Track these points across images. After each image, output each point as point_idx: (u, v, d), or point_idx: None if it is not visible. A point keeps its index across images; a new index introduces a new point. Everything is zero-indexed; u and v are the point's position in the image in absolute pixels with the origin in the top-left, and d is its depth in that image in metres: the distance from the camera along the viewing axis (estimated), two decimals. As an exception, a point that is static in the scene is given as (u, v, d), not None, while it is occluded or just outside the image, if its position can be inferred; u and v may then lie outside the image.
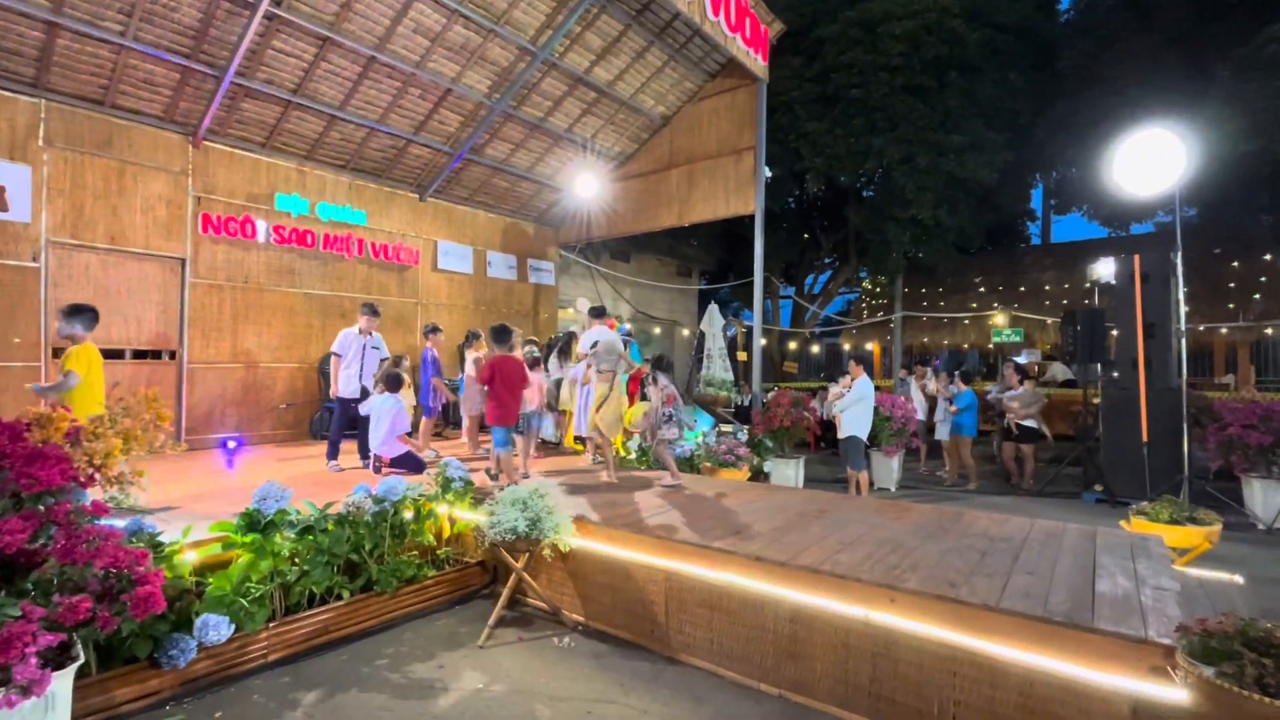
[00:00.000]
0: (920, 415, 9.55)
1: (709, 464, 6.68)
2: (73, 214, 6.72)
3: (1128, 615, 2.67)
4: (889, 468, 8.69)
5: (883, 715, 2.97)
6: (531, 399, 5.89)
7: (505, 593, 4.04)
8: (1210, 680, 2.02)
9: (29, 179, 6.41)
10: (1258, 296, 13.07)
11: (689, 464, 6.72)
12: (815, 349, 20.99)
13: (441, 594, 4.33)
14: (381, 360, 6.71)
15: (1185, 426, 6.74)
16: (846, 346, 18.79)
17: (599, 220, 11.64)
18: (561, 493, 4.93)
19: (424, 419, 7.31)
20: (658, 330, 16.53)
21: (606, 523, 4.13)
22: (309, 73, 7.61)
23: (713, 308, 12.23)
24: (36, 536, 2.50)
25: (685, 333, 17.25)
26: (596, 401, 5.57)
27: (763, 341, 10.32)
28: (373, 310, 6.54)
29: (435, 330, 7.43)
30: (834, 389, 8.09)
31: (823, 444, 11.37)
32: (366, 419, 6.23)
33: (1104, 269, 8.78)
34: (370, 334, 6.52)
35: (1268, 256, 13.82)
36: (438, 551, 4.57)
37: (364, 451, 6.57)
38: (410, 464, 5.93)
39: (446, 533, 4.71)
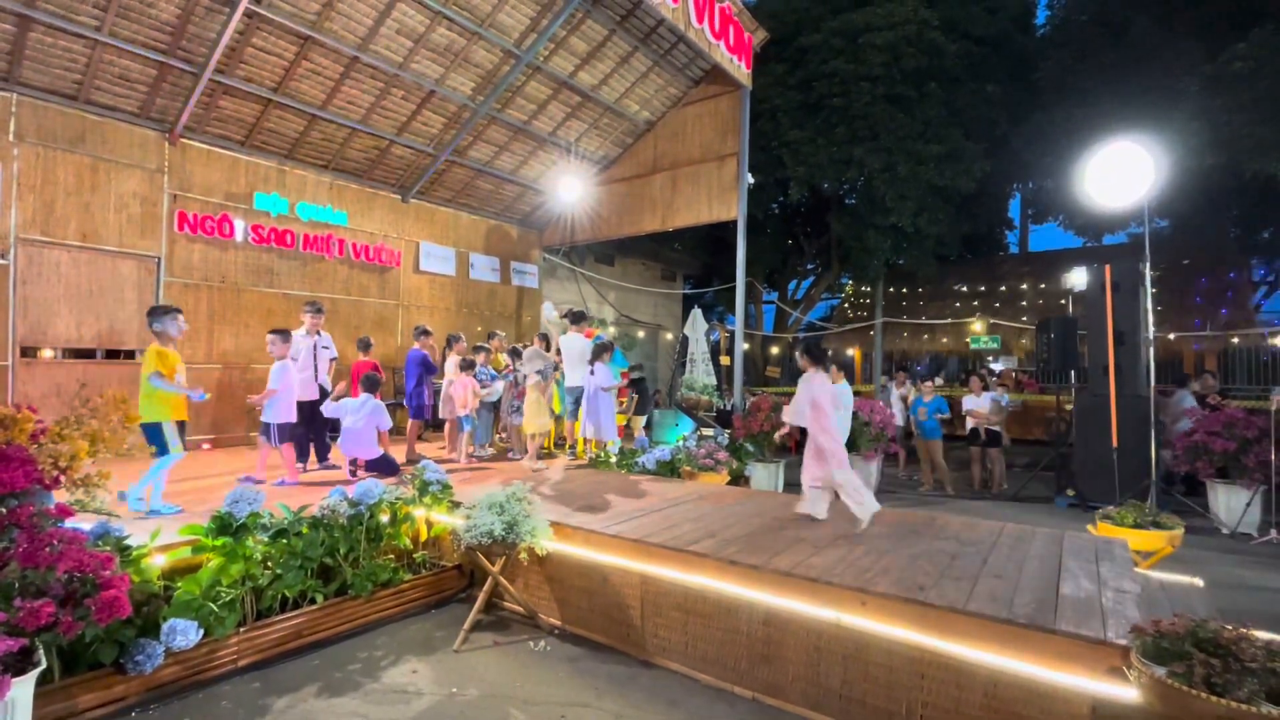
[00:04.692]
0: (899, 421, 9.69)
1: (689, 468, 6.70)
2: (43, 210, 6.58)
3: (1089, 617, 2.74)
4: (867, 473, 8.76)
5: (853, 717, 3.01)
6: (464, 403, 6.72)
7: (481, 596, 4.03)
8: (1162, 680, 2.08)
9: (-2, 174, 6.29)
10: (1224, 311, 13.44)
11: (669, 468, 6.75)
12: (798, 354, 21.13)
13: (418, 598, 4.30)
14: (332, 360, 6.53)
15: (1153, 433, 6.91)
16: (829, 352, 18.98)
17: (583, 224, 11.65)
18: (535, 496, 4.92)
19: (411, 421, 7.24)
20: (641, 334, 16.54)
21: (582, 526, 4.14)
22: (290, 71, 7.54)
23: (696, 312, 12.25)
24: (-2, 539, 2.46)
25: (669, 337, 17.28)
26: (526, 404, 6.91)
27: (745, 346, 10.39)
28: (317, 309, 6.44)
29: (426, 333, 7.40)
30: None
31: (803, 448, 11.43)
32: (325, 421, 6.18)
33: (1077, 278, 8.96)
34: (318, 333, 6.41)
35: (1234, 267, 14.23)
36: (414, 555, 4.54)
37: (322, 453, 6.49)
38: (385, 467, 5.88)
39: (424, 536, 4.69)
